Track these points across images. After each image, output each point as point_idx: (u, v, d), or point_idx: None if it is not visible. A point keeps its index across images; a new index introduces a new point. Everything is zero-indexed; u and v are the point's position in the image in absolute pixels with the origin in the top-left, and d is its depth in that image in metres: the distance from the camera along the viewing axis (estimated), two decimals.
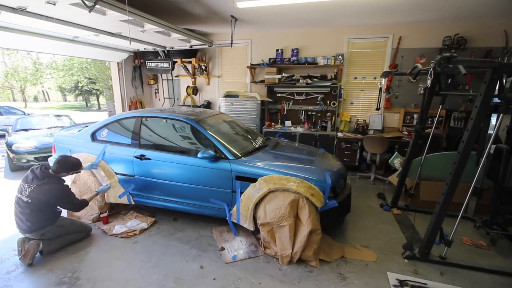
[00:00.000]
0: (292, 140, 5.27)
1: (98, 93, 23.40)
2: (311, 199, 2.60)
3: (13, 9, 3.11)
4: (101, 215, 3.35)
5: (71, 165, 2.84)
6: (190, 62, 6.34)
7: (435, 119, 3.73)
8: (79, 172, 3.06)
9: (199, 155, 2.94)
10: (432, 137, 3.62)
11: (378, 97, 4.44)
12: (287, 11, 4.36)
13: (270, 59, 5.91)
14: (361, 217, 3.62)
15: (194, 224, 3.37)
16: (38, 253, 2.67)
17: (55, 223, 2.79)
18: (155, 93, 7.47)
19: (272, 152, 3.38)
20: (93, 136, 3.57)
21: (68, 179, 3.54)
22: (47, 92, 31.77)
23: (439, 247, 2.77)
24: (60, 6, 3.03)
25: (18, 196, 2.68)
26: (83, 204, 2.93)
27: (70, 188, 2.91)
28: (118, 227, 3.21)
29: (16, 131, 6.05)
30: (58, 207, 2.83)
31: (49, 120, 6.77)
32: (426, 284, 2.37)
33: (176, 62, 6.20)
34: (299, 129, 5.57)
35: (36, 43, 4.73)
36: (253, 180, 2.82)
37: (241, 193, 2.89)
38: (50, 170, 2.75)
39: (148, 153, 3.26)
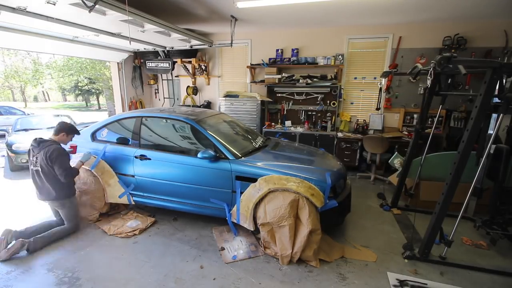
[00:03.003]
0: (292, 140, 5.27)
1: (98, 93, 23.41)
2: (311, 199, 2.60)
3: (13, 9, 3.10)
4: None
5: (69, 125, 3.10)
6: (190, 62, 6.34)
7: (435, 119, 3.73)
8: (78, 134, 3.21)
9: (199, 155, 2.94)
10: (432, 137, 3.62)
11: (378, 97, 4.43)
12: (287, 11, 4.36)
13: (270, 59, 5.91)
14: (361, 217, 3.62)
15: (194, 224, 3.37)
16: (25, 251, 2.73)
17: (72, 197, 3.09)
18: (155, 93, 7.47)
19: (272, 152, 3.38)
20: (93, 136, 3.57)
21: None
22: (47, 92, 31.77)
23: (439, 247, 2.77)
24: (60, 6, 3.03)
25: (32, 169, 2.94)
26: (75, 170, 3.03)
27: (65, 150, 3.00)
28: (118, 227, 3.21)
29: (16, 131, 6.05)
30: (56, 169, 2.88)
31: (49, 120, 6.77)
32: (426, 284, 2.37)
33: (176, 62, 6.20)
34: (299, 129, 5.57)
35: (36, 43, 4.73)
36: (253, 180, 2.82)
37: (241, 193, 2.88)
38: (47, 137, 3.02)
39: (148, 153, 3.26)
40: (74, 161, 3.42)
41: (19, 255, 2.71)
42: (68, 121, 6.87)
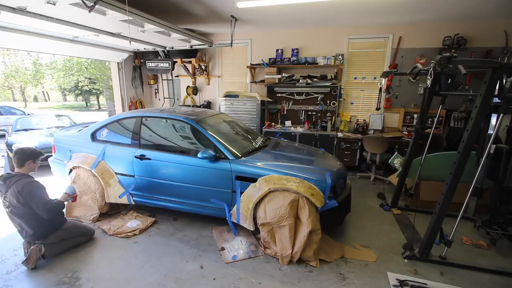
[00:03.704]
0: (292, 140, 5.27)
1: (98, 93, 23.41)
2: (311, 199, 2.60)
3: (13, 9, 3.11)
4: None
5: (28, 151, 2.66)
6: (190, 62, 6.34)
7: (435, 119, 3.73)
8: (43, 156, 2.81)
9: (199, 155, 2.94)
10: (432, 137, 3.62)
11: (378, 97, 4.43)
12: (287, 11, 4.36)
13: (270, 59, 5.91)
14: (361, 217, 3.62)
15: (194, 224, 3.37)
16: (40, 257, 2.60)
17: (61, 227, 2.75)
18: (155, 93, 7.47)
19: (272, 152, 3.38)
20: (93, 136, 3.57)
21: (69, 180, 3.55)
22: (47, 92, 31.77)
23: (439, 247, 2.77)
24: (60, 6, 3.03)
25: (6, 211, 2.58)
26: (59, 204, 2.65)
27: (39, 182, 2.62)
28: (118, 227, 3.21)
29: (16, 131, 6.05)
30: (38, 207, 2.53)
31: (49, 120, 6.77)
32: (426, 284, 2.37)
33: (176, 62, 6.21)
34: (299, 129, 5.57)
35: (36, 43, 4.73)
36: (253, 180, 2.82)
37: (241, 193, 2.88)
38: (12, 171, 2.68)
39: (148, 153, 3.26)
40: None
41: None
42: (68, 120, 6.91)
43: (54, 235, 2.70)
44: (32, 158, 2.66)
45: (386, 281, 2.43)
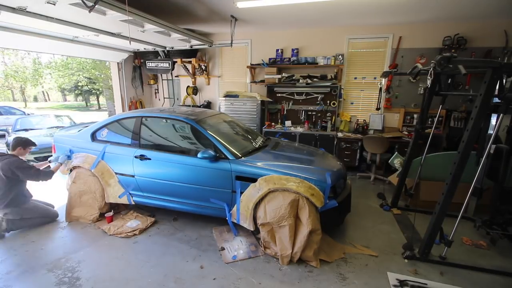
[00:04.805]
0: (292, 140, 5.26)
1: (98, 93, 23.40)
2: (311, 199, 2.60)
3: (13, 9, 3.11)
4: (106, 215, 3.36)
5: (23, 140, 3.26)
6: (190, 62, 6.34)
7: (435, 119, 3.73)
8: (35, 145, 3.40)
9: (199, 155, 2.94)
10: (432, 137, 3.62)
11: (378, 97, 4.44)
12: (287, 11, 4.36)
13: (270, 59, 5.91)
14: (361, 217, 3.62)
15: (194, 224, 3.37)
16: (6, 231, 3.03)
17: (22, 205, 3.15)
18: (155, 93, 7.47)
19: (272, 152, 3.38)
20: (93, 136, 3.57)
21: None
22: (47, 92, 31.75)
23: (439, 247, 2.76)
24: (60, 6, 3.04)
25: None
26: (44, 173, 3.19)
27: (26, 161, 3.22)
28: (118, 227, 3.21)
29: (16, 131, 6.05)
30: (22, 180, 3.12)
31: (49, 120, 6.77)
32: (426, 284, 2.37)
33: (176, 62, 6.20)
34: (299, 129, 5.57)
35: (36, 43, 4.73)
36: (253, 180, 2.82)
37: (241, 193, 2.88)
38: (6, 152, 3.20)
39: (148, 153, 3.25)
40: (55, 156, 3.58)
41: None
42: (68, 120, 6.93)
43: (15, 212, 3.07)
44: (22, 145, 3.23)
45: (386, 281, 2.43)
